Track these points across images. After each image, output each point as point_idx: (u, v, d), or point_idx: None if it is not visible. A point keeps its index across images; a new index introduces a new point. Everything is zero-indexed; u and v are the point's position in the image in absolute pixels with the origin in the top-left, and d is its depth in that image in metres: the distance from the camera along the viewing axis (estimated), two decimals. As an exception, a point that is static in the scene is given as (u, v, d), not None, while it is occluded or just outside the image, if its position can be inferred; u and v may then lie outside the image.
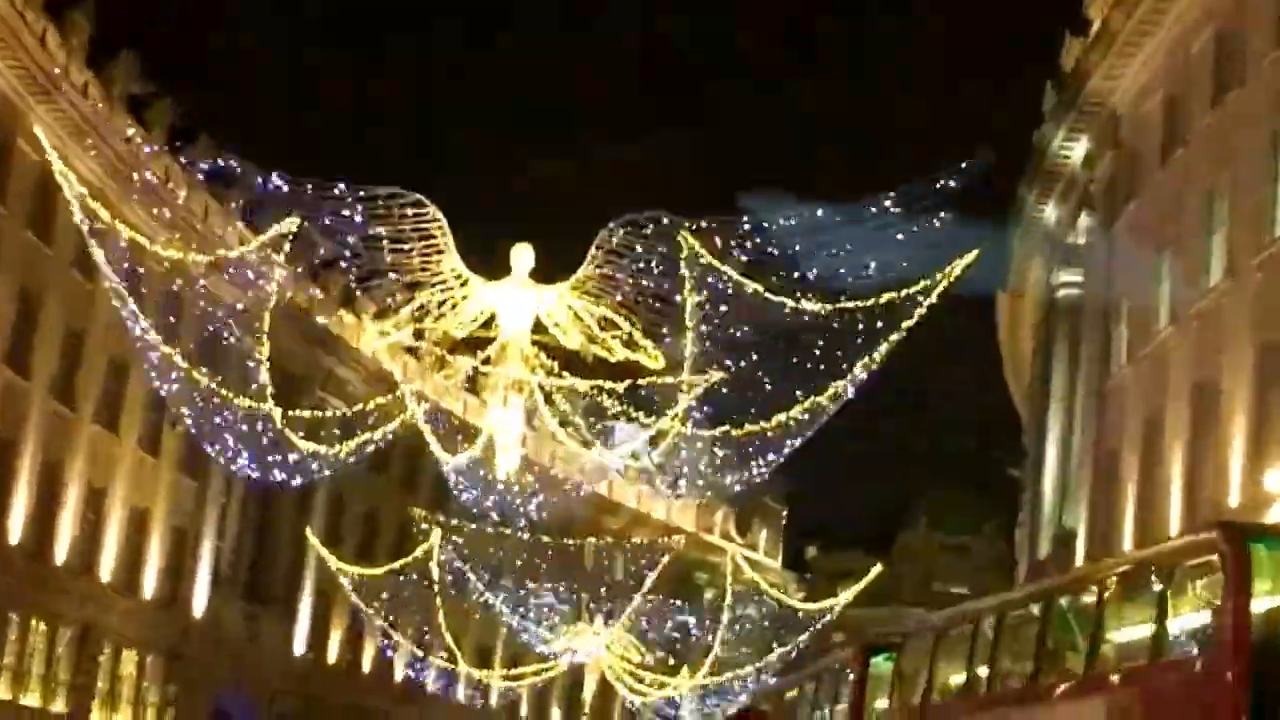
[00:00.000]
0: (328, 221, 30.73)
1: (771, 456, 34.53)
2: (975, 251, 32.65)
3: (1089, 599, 17.42)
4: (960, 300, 34.11)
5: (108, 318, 44.77)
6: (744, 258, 31.35)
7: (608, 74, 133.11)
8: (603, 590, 70.05)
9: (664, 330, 32.62)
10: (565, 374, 33.77)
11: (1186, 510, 33.75)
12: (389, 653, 67.33)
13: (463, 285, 32.22)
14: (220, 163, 32.74)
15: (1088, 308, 43.40)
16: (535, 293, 32.64)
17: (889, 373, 33.98)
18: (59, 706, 49.56)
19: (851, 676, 24.75)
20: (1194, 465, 33.91)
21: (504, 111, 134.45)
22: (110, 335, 48.23)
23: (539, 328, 33.04)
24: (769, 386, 33.63)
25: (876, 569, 62.13)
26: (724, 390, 33.47)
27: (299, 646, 64.95)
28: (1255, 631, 14.66)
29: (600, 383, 33.98)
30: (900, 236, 31.36)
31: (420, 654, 64.14)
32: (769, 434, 33.54)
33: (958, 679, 20.78)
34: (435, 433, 36.53)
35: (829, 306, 32.11)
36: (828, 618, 62.18)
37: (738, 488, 36.59)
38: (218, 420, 37.13)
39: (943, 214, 30.56)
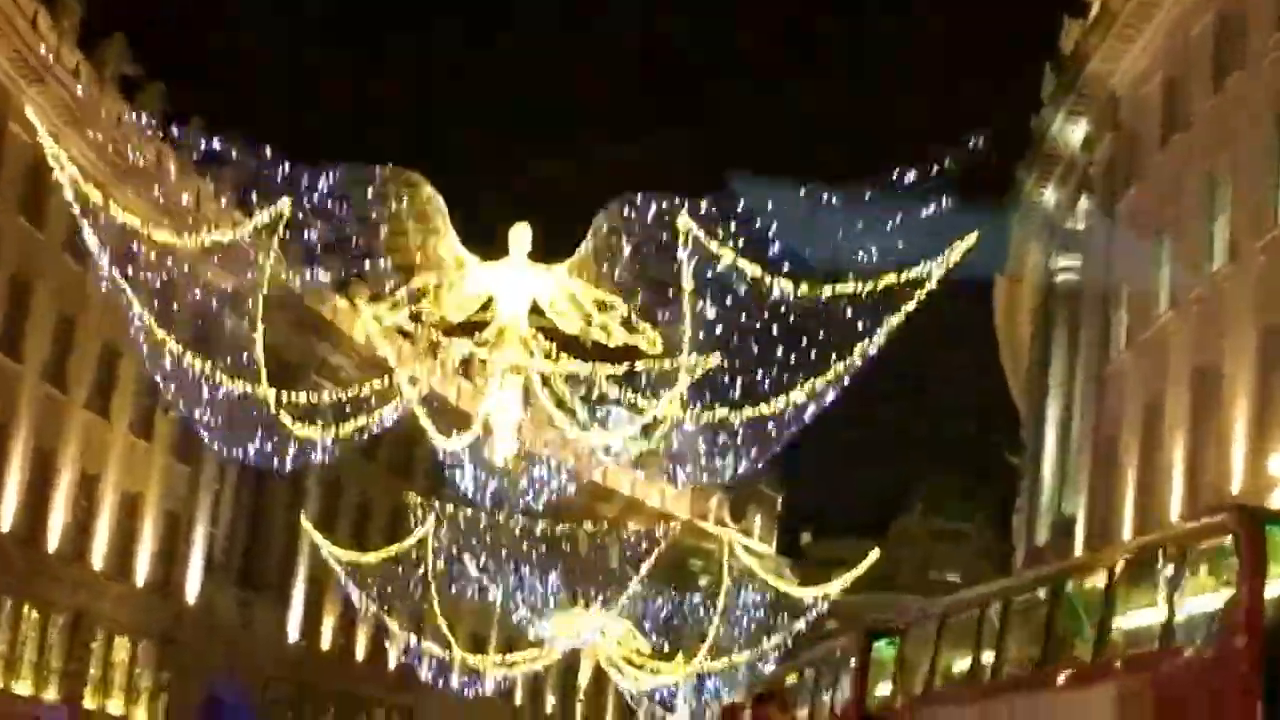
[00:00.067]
0: (322, 203, 30.39)
1: (770, 441, 34.22)
2: (975, 234, 32.39)
3: (1097, 584, 17.13)
4: (957, 285, 33.85)
5: (100, 302, 44.52)
6: (742, 240, 31.10)
7: (608, 74, 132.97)
8: (599, 577, 69.72)
9: (662, 314, 32.35)
10: (564, 355, 33.47)
11: (1188, 496, 33.56)
12: (383, 640, 67.10)
13: (459, 267, 31.92)
14: (214, 145, 32.39)
15: (1087, 292, 43.17)
16: (533, 274, 32.34)
17: (884, 358, 33.74)
18: (51, 694, 49.30)
19: (853, 662, 24.45)
20: (1195, 450, 33.72)
21: (504, 111, 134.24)
22: (102, 320, 47.96)
23: (537, 310, 32.76)
24: (767, 371, 33.37)
25: (874, 554, 61.80)
26: (725, 373, 33.18)
27: (292, 633, 64.73)
28: (1269, 616, 14.39)
29: (598, 366, 33.68)
30: (899, 220, 31.11)
31: (414, 640, 63.85)
32: (768, 418, 33.25)
33: (962, 665, 20.49)
34: (431, 417, 36.17)
35: (828, 290, 31.82)
36: (824, 604, 61.87)
37: (740, 469, 36.24)
38: (212, 405, 36.79)
39: (944, 196, 30.27)
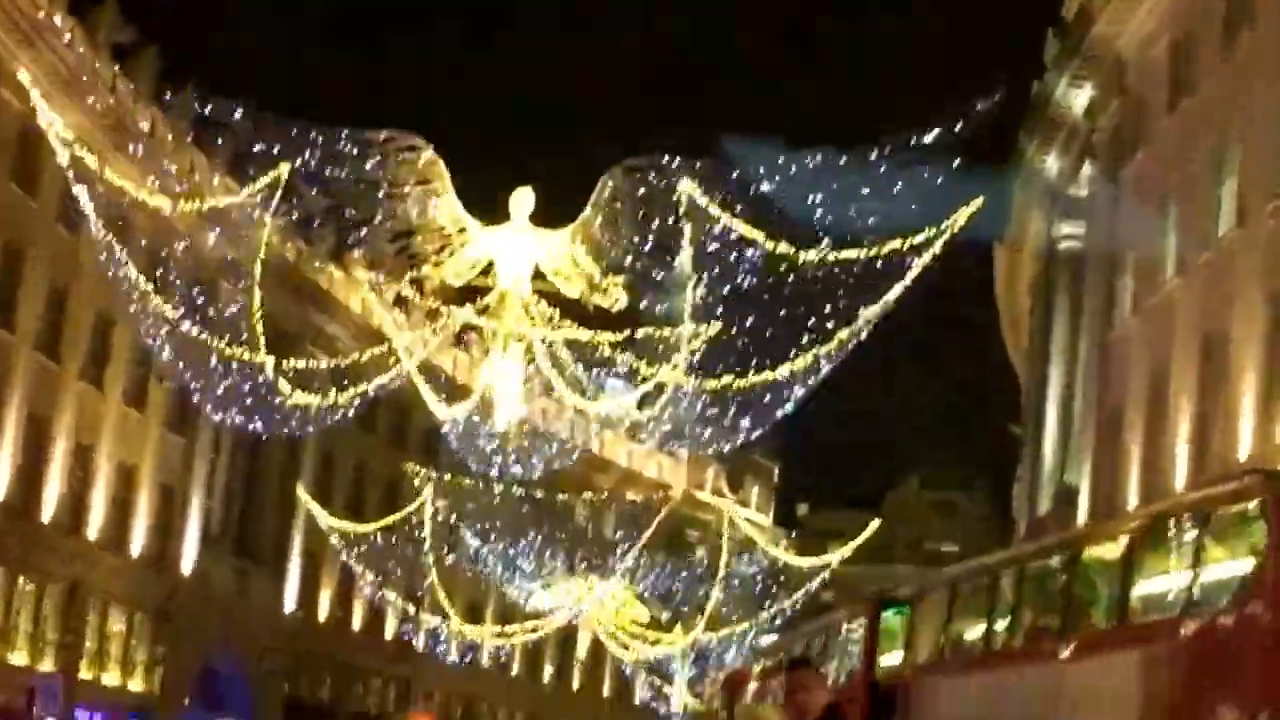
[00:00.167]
0: (320, 168, 29.95)
1: (773, 408, 33.87)
2: (980, 199, 32.06)
3: (1116, 551, 16.78)
4: (956, 254, 33.54)
5: (93, 272, 44.13)
6: (741, 205, 30.73)
7: (608, 74, 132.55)
8: (595, 547, 69.50)
9: (664, 279, 32.00)
10: (566, 323, 33.09)
11: (1194, 463, 33.22)
12: (380, 611, 66.90)
13: (460, 232, 31.50)
14: (208, 110, 31.93)
15: (1090, 259, 42.81)
16: (535, 238, 31.93)
17: (880, 328, 33.42)
18: (47, 665, 48.97)
19: (861, 632, 24.12)
20: (1202, 417, 33.37)
21: (504, 111, 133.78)
22: (96, 289, 47.53)
23: (539, 275, 32.37)
24: (769, 338, 33.04)
25: (874, 524, 61.57)
26: (726, 340, 32.83)
27: (289, 604, 64.46)
28: (1295, 582, 14.06)
29: (599, 334, 33.31)
30: (901, 186, 30.76)
31: (412, 611, 63.63)
32: (772, 384, 32.90)
33: (975, 634, 20.15)
34: (430, 384, 35.81)
35: (831, 256, 31.47)
36: (822, 575, 61.62)
37: (740, 438, 35.92)
38: (207, 373, 36.41)
39: (950, 159, 29.90)
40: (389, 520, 57.64)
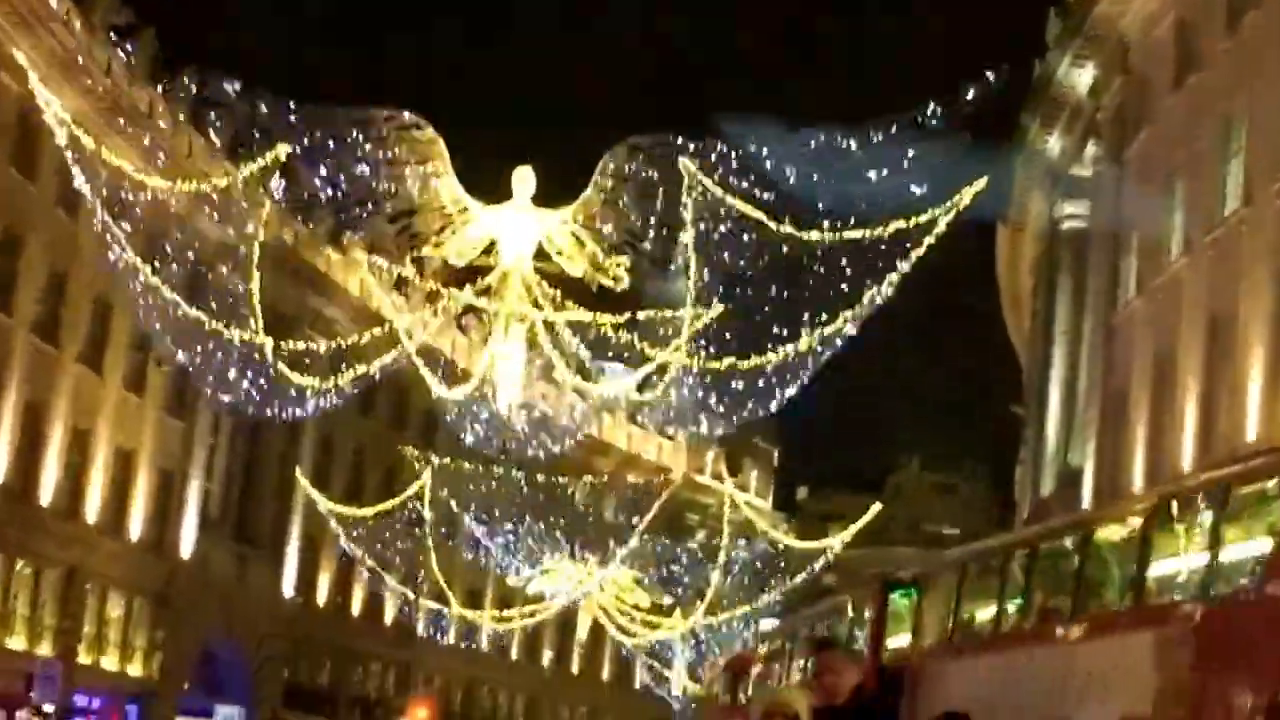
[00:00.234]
0: (320, 148, 29.68)
1: (775, 390, 33.62)
2: (985, 179, 31.84)
3: (1130, 530, 16.53)
4: (956, 235, 33.30)
5: (92, 256, 43.90)
6: (745, 182, 30.47)
7: (608, 74, 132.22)
8: (595, 531, 69.26)
9: (667, 259, 31.76)
10: (568, 304, 32.83)
11: (1200, 444, 32.99)
12: (379, 595, 66.76)
13: (462, 211, 31.23)
14: (206, 91, 31.66)
15: (1094, 239, 42.59)
16: (537, 217, 31.66)
17: (879, 309, 33.16)
18: (45, 649, 48.81)
19: (868, 614, 23.88)
20: (1208, 398, 33.15)
21: (504, 111, 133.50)
22: (94, 274, 47.33)
23: (541, 255, 32.10)
24: (772, 318, 32.79)
25: (876, 507, 61.33)
26: (734, 320, 32.58)
27: (288, 589, 64.29)
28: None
29: (601, 315, 33.06)
30: (904, 166, 30.53)
31: (411, 595, 63.44)
32: (774, 366, 32.66)
33: (985, 616, 19.90)
34: (429, 366, 35.55)
35: (834, 235, 31.23)
36: (824, 558, 61.40)
37: (743, 419, 35.67)
38: (206, 356, 36.14)
39: (953, 137, 29.63)
40: (388, 505, 57.41)
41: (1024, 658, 18.01)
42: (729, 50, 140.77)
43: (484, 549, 63.07)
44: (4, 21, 45.25)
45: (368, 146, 29.57)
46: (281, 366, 33.50)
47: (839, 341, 32.61)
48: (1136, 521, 16.51)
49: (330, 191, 32.59)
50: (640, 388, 37.18)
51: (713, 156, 29.90)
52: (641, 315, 34.22)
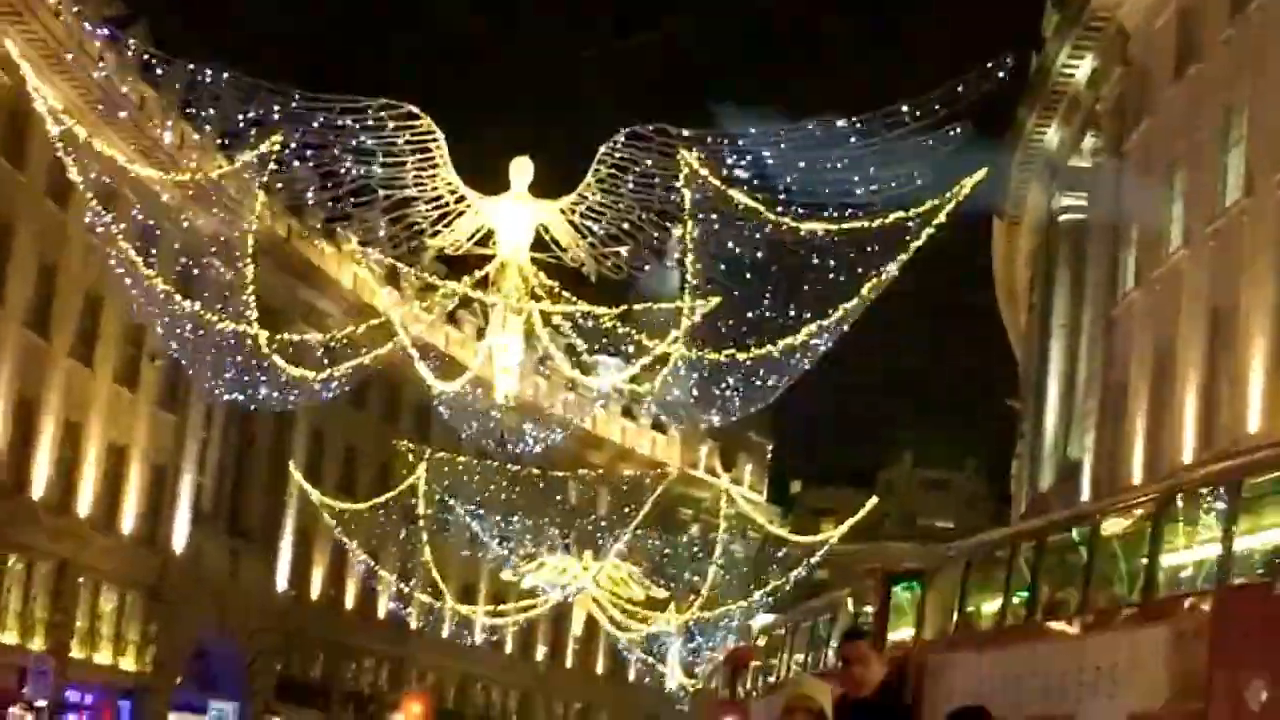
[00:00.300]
0: (314, 138, 29.37)
1: (777, 381, 33.38)
2: (985, 169, 31.58)
3: (1141, 522, 16.28)
4: (952, 228, 33.02)
5: (83, 248, 43.64)
6: (742, 175, 30.21)
7: (608, 74, 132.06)
8: (589, 526, 69.05)
9: (664, 250, 31.51)
10: (565, 294, 32.55)
11: (1201, 437, 32.74)
12: (373, 590, 66.56)
13: (459, 201, 30.94)
14: (198, 81, 31.27)
15: (1093, 232, 42.33)
16: (535, 207, 31.39)
17: (874, 302, 32.90)
18: (37, 644, 48.53)
19: (869, 608, 23.66)
20: (1209, 390, 32.87)
21: (504, 111, 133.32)
22: (85, 266, 47.09)
23: (539, 245, 31.83)
24: (770, 309, 32.51)
25: (872, 501, 61.09)
26: (731, 311, 32.30)
27: (281, 583, 64.05)
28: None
29: (598, 307, 32.79)
30: (902, 158, 30.26)
31: (404, 589, 63.23)
32: (772, 358, 32.41)
33: (990, 609, 19.66)
34: (424, 359, 35.27)
35: (833, 227, 30.97)
36: (821, 552, 61.16)
37: (740, 411, 35.41)
38: (198, 349, 35.85)
39: (954, 128, 29.34)
40: (383, 498, 57.17)
41: (1032, 652, 17.79)
42: (731, 50, 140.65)
43: (479, 543, 62.84)
44: (-6, 11, 44.96)
45: (363, 137, 29.27)
46: (276, 358, 33.19)
47: (839, 332, 32.34)
48: (1148, 512, 16.27)
49: (325, 183, 32.32)
50: (636, 379, 36.91)
51: (710, 146, 29.62)
52: (639, 307, 33.96)
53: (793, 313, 32.48)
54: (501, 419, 39.50)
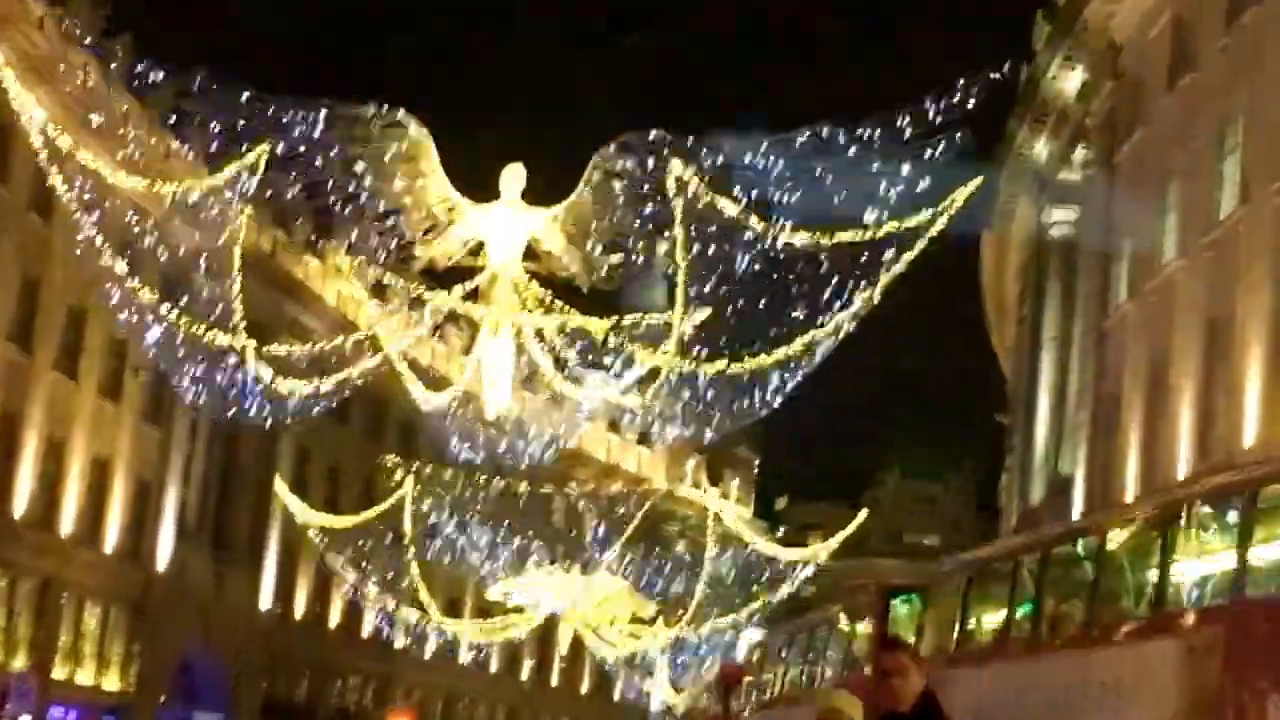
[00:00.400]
0: (300, 148, 28.99)
1: (767, 395, 33.02)
2: (979, 179, 31.23)
3: (1150, 533, 15.95)
4: (939, 241, 32.70)
5: (66, 261, 43.21)
6: (734, 185, 29.91)
7: (608, 74, 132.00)
8: (575, 543, 68.70)
9: (655, 261, 31.15)
10: (557, 303, 32.18)
11: (1196, 451, 32.47)
12: (358, 607, 66.12)
13: (449, 210, 30.58)
14: (185, 93, 30.90)
15: (1084, 245, 42.12)
16: (527, 215, 31.03)
17: (862, 317, 32.57)
18: (20, 662, 48.10)
19: (863, 625, 23.34)
20: (1204, 402, 32.61)
21: (505, 111, 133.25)
22: (69, 280, 46.72)
23: (530, 255, 31.47)
24: (761, 321, 32.19)
25: (861, 516, 60.81)
26: (723, 324, 31.95)
27: (265, 600, 63.63)
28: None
29: (588, 320, 32.40)
30: (892, 169, 29.93)
31: (390, 607, 62.74)
32: (763, 370, 32.06)
33: (992, 623, 19.33)
34: (413, 371, 34.89)
35: (825, 240, 30.63)
36: (810, 568, 60.82)
37: (729, 425, 35.06)
38: (183, 362, 35.41)
39: (947, 138, 28.99)
40: (370, 514, 56.69)
41: (1036, 666, 17.48)
42: (729, 50, 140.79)
43: (464, 560, 62.40)
44: (-24, 25, 44.66)
45: (352, 145, 28.90)
46: (262, 371, 32.78)
47: (833, 344, 32.00)
48: (1154, 525, 15.95)
49: (312, 192, 31.92)
50: (625, 392, 36.52)
51: (703, 155, 29.31)
52: (629, 319, 33.58)
53: (784, 324, 32.17)
54: (492, 434, 39.11)
